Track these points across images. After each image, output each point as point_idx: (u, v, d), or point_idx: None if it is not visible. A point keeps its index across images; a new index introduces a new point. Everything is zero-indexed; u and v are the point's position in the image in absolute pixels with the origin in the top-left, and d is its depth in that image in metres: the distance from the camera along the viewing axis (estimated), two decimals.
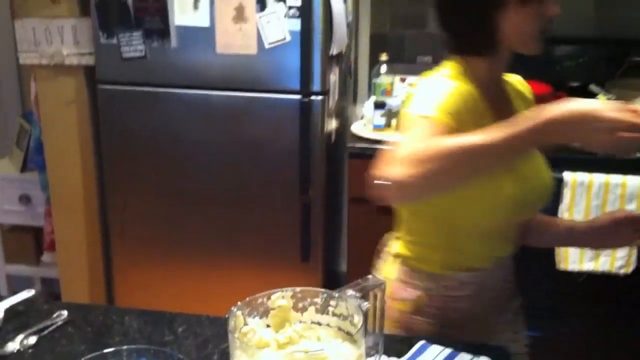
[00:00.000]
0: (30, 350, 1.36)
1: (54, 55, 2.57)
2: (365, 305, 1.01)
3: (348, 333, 1.01)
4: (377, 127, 2.72)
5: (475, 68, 1.42)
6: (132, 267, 2.79)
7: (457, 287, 1.48)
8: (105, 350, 1.15)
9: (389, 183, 1.17)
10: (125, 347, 1.13)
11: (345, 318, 1.02)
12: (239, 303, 1.01)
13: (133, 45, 2.48)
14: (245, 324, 1.00)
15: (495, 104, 1.44)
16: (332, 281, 3.04)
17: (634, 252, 2.47)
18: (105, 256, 2.92)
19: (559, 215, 2.46)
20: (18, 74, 3.28)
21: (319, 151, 2.52)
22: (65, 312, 1.49)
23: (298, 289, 1.05)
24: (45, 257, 3.13)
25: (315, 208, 2.60)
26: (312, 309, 1.04)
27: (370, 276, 1.16)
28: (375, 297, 1.11)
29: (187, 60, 2.48)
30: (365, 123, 2.80)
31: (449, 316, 1.48)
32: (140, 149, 2.65)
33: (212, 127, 2.55)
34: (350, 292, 1.06)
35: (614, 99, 2.52)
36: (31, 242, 3.24)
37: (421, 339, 1.37)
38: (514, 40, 1.39)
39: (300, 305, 1.04)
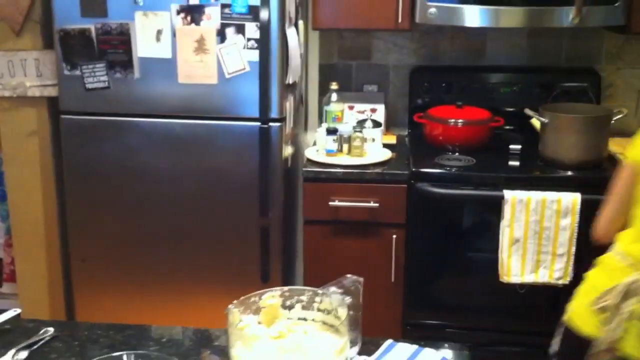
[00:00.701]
0: None
1: (17, 87, 2.63)
2: (348, 299, 1.14)
3: (332, 326, 1.13)
4: (329, 152, 2.87)
5: None
6: (93, 297, 2.83)
7: None
8: (114, 354, 1.24)
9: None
10: (129, 352, 1.23)
11: (329, 312, 1.15)
12: (234, 302, 1.12)
13: (96, 76, 2.57)
14: (240, 320, 1.12)
15: None
16: None
17: (571, 263, 2.66)
18: (66, 287, 2.95)
19: (501, 230, 2.64)
20: None
21: (278, 175, 2.65)
22: (51, 329, 1.56)
23: (286, 288, 1.17)
24: (5, 288, 3.14)
25: (273, 230, 2.72)
26: (298, 306, 1.16)
27: (348, 275, 1.30)
28: (353, 293, 1.25)
29: (150, 90, 2.58)
30: (318, 149, 2.95)
31: None
32: (102, 178, 2.72)
33: (174, 155, 2.66)
34: (333, 289, 1.19)
35: (547, 122, 2.74)
36: None
37: (388, 339, 1.51)
38: None
39: (288, 303, 1.16)
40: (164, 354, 1.48)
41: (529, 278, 2.66)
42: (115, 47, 2.54)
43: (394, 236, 2.78)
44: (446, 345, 1.52)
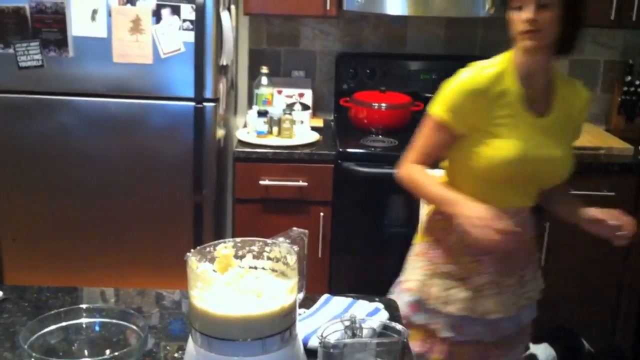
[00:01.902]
0: None
1: None
2: (296, 248, 1.26)
3: (282, 272, 1.25)
4: (260, 134, 2.98)
5: (516, 61, 1.84)
6: (24, 276, 2.82)
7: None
8: (73, 307, 1.32)
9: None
10: (89, 305, 1.31)
11: (278, 260, 1.27)
12: (192, 250, 1.23)
13: (30, 54, 2.58)
14: (198, 267, 1.22)
15: (532, 96, 1.85)
16: None
17: None
18: None
19: (421, 208, 2.81)
20: None
21: (211, 154, 2.74)
22: (0, 292, 1.62)
23: (238, 239, 1.28)
24: None
25: (206, 208, 2.81)
26: (249, 255, 1.28)
27: (294, 228, 1.42)
28: (298, 244, 1.37)
29: (84, 69, 2.62)
30: (248, 130, 3.06)
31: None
32: (34, 157, 2.73)
33: (109, 134, 2.70)
34: (281, 239, 1.31)
35: None
36: None
37: (326, 294, 1.65)
38: (513, 36, 1.82)
39: (240, 253, 1.28)
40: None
41: None
42: (50, 26, 2.56)
43: (322, 214, 2.91)
44: (377, 299, 1.67)
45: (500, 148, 1.82)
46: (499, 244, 1.70)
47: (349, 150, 2.88)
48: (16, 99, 2.66)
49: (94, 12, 2.55)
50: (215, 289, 1.18)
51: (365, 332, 1.31)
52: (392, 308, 1.62)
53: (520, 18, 1.77)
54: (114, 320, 1.32)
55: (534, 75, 1.86)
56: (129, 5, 2.55)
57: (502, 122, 1.83)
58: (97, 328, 1.31)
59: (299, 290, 1.32)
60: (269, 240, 1.29)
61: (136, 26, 2.55)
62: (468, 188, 1.88)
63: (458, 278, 1.91)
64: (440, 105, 1.87)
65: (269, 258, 1.28)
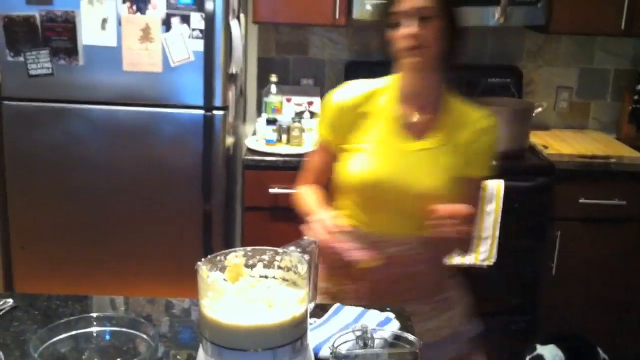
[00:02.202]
0: None
1: None
2: (307, 257, 1.25)
3: (293, 282, 1.24)
4: (269, 142, 2.98)
5: (399, 80, 1.80)
6: (34, 285, 2.83)
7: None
8: (84, 315, 1.32)
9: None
10: (99, 314, 1.30)
11: (289, 270, 1.26)
12: (202, 260, 1.22)
13: (40, 63, 2.59)
14: (209, 276, 1.22)
15: (411, 118, 1.76)
16: None
17: (495, 246, 2.85)
18: (6, 274, 2.94)
19: None
20: None
21: (220, 162, 2.74)
22: (10, 300, 1.61)
23: (249, 248, 1.28)
24: None
25: (216, 216, 2.81)
26: (260, 265, 1.27)
27: (305, 237, 1.41)
28: (310, 253, 1.36)
29: (94, 78, 2.62)
30: (258, 138, 3.05)
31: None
32: (44, 165, 2.73)
33: (119, 143, 2.70)
34: (292, 248, 1.30)
35: None
36: None
37: (337, 304, 1.64)
38: (396, 52, 1.74)
39: (250, 262, 1.27)
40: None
41: (456, 261, 2.83)
42: (60, 35, 2.57)
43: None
44: (388, 308, 1.65)
45: (357, 169, 1.75)
46: (331, 245, 1.62)
47: None
48: (26, 107, 2.67)
49: (104, 21, 2.56)
50: (226, 299, 1.17)
51: (376, 342, 1.29)
52: (403, 318, 1.61)
53: (401, 34, 1.68)
54: (124, 329, 1.31)
55: (418, 95, 1.76)
56: (139, 15, 2.55)
57: (368, 141, 1.76)
58: (107, 337, 1.30)
59: (310, 300, 1.31)
60: (280, 250, 1.28)
61: (146, 35, 2.56)
62: (346, 210, 1.82)
63: (332, 298, 1.83)
64: (318, 123, 1.88)
65: (280, 267, 1.27)
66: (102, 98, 2.66)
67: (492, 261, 2.85)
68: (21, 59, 2.60)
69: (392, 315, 1.58)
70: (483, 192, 2.76)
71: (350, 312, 1.60)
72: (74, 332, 1.27)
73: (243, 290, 1.21)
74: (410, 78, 1.77)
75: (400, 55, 1.73)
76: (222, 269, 1.25)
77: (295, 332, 1.17)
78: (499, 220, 2.79)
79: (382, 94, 1.79)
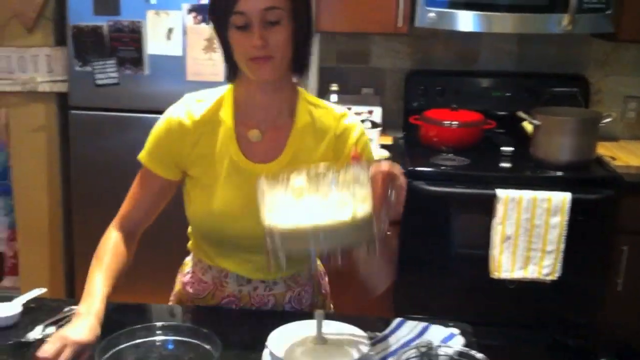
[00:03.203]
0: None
1: (27, 82, 2.71)
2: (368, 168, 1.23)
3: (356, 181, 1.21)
4: None
5: (237, 92, 1.56)
6: None
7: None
8: (147, 324, 1.33)
9: None
10: (162, 322, 1.31)
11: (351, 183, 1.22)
12: (262, 176, 1.21)
13: (107, 72, 2.65)
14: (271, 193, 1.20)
15: (254, 136, 1.55)
16: None
17: (560, 259, 2.77)
18: (68, 282, 3.01)
19: (493, 227, 2.75)
20: None
21: None
22: (75, 307, 1.64)
23: (312, 170, 1.22)
24: (6, 281, 3.19)
25: None
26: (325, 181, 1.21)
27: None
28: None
29: (159, 87, 2.66)
30: None
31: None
32: (108, 173, 2.78)
33: None
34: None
35: (539, 124, 2.86)
36: None
37: (398, 317, 1.61)
38: (237, 61, 1.48)
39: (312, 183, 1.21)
40: None
41: (518, 274, 2.77)
42: (126, 45, 2.63)
43: (388, 232, 2.86)
44: (451, 324, 1.62)
45: (196, 208, 1.58)
46: None
47: (419, 168, 2.83)
48: (93, 116, 2.73)
49: (170, 30, 2.60)
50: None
51: (441, 359, 1.27)
52: (468, 334, 1.57)
53: (246, 41, 1.42)
54: (186, 339, 1.31)
55: (260, 109, 1.54)
56: (203, 25, 2.59)
57: (206, 171, 1.55)
58: (170, 346, 1.31)
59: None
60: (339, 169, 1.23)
61: (210, 45, 2.59)
62: (200, 249, 1.68)
63: None
64: (144, 149, 1.62)
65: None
66: (166, 107, 2.67)
67: (555, 276, 2.78)
68: (88, 68, 2.66)
69: (456, 331, 1.55)
70: (547, 204, 2.69)
71: (412, 327, 1.58)
72: (137, 341, 1.28)
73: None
74: (253, 92, 1.53)
75: (243, 65, 1.47)
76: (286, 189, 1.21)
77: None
78: (564, 233, 2.72)
79: (219, 109, 1.56)
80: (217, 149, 1.55)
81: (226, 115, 1.55)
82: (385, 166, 1.30)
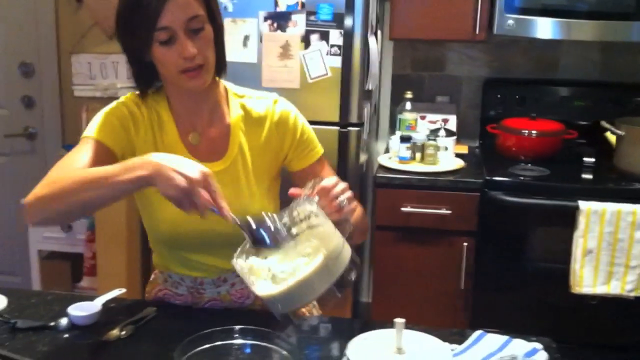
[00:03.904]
0: (130, 338, 1.50)
1: (108, 88, 2.77)
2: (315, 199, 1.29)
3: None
4: (402, 159, 2.93)
5: (169, 95, 1.57)
6: None
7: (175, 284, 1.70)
8: (229, 327, 1.32)
9: (24, 205, 1.36)
10: (243, 326, 1.31)
11: (309, 218, 1.26)
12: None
13: None
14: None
15: (190, 126, 1.57)
16: (358, 313, 3.18)
17: None
18: (144, 283, 3.05)
19: (574, 240, 2.65)
20: (61, 108, 3.47)
21: (354, 179, 2.72)
22: (154, 308, 1.65)
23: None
24: (84, 282, 3.27)
25: None
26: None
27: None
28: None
29: None
30: (390, 156, 3.01)
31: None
32: None
33: None
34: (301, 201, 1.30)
35: (623, 134, 2.75)
36: (68, 268, 3.38)
37: (478, 329, 1.56)
38: (165, 76, 1.50)
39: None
40: None
41: (600, 289, 2.67)
42: None
43: (465, 244, 2.81)
44: (534, 338, 1.55)
45: (154, 219, 1.57)
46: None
47: (497, 178, 2.76)
48: None
49: (246, 37, 2.62)
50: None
51: None
52: (551, 349, 1.51)
53: (174, 55, 1.41)
54: (263, 343, 1.30)
55: (193, 114, 1.55)
56: (279, 32, 2.60)
57: None
58: (247, 350, 1.30)
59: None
60: (286, 210, 1.30)
61: (285, 52, 2.60)
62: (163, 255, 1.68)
63: None
64: (92, 127, 1.52)
65: (301, 220, 1.27)
66: None
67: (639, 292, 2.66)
68: None
69: (539, 346, 1.48)
70: (632, 217, 2.58)
71: (494, 340, 1.52)
72: (215, 343, 1.27)
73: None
74: (183, 99, 1.54)
75: (173, 79, 1.47)
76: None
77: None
78: None
79: (157, 115, 1.56)
80: (162, 148, 1.53)
81: (168, 123, 1.55)
82: (326, 183, 1.34)
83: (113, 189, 1.28)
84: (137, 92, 1.58)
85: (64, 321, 1.53)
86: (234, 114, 1.60)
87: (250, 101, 1.64)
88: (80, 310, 1.55)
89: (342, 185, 1.40)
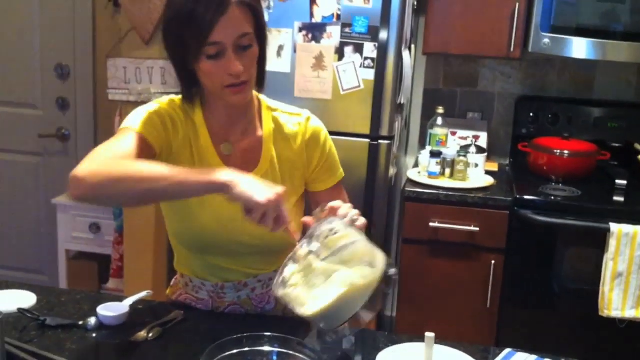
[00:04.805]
0: (157, 340, 1.51)
1: (142, 92, 2.80)
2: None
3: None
4: (431, 174, 2.91)
5: (207, 104, 1.59)
6: None
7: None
8: (245, 334, 1.32)
9: (73, 177, 1.33)
10: (267, 333, 1.30)
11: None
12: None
13: None
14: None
15: (223, 136, 1.59)
16: (382, 326, 3.17)
17: None
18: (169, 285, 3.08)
19: (604, 263, 2.61)
20: (94, 111, 3.51)
21: (382, 192, 2.72)
22: (181, 312, 1.65)
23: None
24: (111, 283, 3.30)
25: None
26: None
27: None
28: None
29: None
30: (420, 170, 3.00)
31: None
32: None
33: None
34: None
35: None
36: (95, 269, 3.41)
37: (508, 347, 1.54)
38: (208, 88, 1.51)
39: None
40: None
41: (629, 313, 2.62)
42: None
43: (493, 261, 2.78)
44: (562, 359, 1.53)
45: (182, 223, 1.61)
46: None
47: (527, 197, 2.73)
48: None
49: (280, 48, 2.64)
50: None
51: None
52: None
53: (221, 70, 1.43)
54: (291, 352, 1.30)
55: (229, 125, 1.58)
56: (313, 43, 2.61)
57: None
58: (274, 357, 1.30)
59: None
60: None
61: (319, 63, 2.61)
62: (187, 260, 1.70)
63: None
64: (134, 121, 1.51)
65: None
66: None
67: None
68: None
69: None
70: None
71: (523, 359, 1.50)
72: (244, 349, 1.27)
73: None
74: (221, 111, 1.57)
75: (217, 92, 1.50)
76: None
77: None
78: None
79: (192, 123, 1.58)
80: (197, 153, 1.57)
81: (202, 132, 1.57)
82: (333, 204, 1.39)
83: (182, 187, 1.32)
84: (179, 97, 1.59)
85: (92, 320, 1.55)
86: (266, 127, 1.62)
87: (284, 116, 1.65)
88: (109, 310, 1.57)
89: (348, 204, 1.44)
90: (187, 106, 1.59)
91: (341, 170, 1.74)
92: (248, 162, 1.59)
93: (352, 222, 1.38)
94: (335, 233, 1.28)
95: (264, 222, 1.28)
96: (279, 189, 1.31)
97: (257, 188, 1.28)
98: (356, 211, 1.43)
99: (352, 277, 1.22)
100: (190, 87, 1.56)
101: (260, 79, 1.57)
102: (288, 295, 1.26)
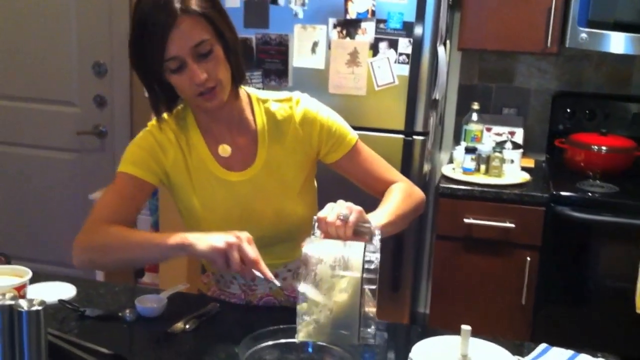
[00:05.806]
0: (195, 331, 1.53)
1: None
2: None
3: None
4: (466, 171, 2.90)
5: (193, 113, 1.62)
6: None
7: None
8: (280, 326, 1.33)
9: (74, 246, 1.58)
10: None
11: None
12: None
13: (253, 83, 2.73)
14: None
15: (218, 139, 1.61)
16: (415, 322, 3.16)
17: None
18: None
19: None
20: (130, 108, 3.56)
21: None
22: (217, 304, 1.67)
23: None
24: (146, 277, 3.34)
25: (407, 243, 2.77)
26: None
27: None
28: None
29: None
30: (454, 166, 2.99)
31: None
32: None
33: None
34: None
35: None
36: None
37: (543, 343, 1.53)
38: (185, 98, 1.55)
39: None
40: None
41: None
42: (273, 57, 2.69)
43: (528, 258, 2.76)
44: (599, 354, 1.52)
45: (190, 208, 1.63)
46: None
47: (564, 193, 2.71)
48: None
49: (315, 44, 2.64)
50: None
51: None
52: None
53: (187, 80, 1.45)
54: (325, 344, 1.31)
55: (221, 127, 1.60)
56: (348, 39, 2.61)
57: (191, 189, 1.61)
58: (310, 349, 1.31)
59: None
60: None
61: (353, 59, 2.61)
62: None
63: None
64: (125, 161, 1.61)
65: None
66: None
67: None
68: None
69: None
70: None
71: (558, 354, 1.50)
72: (278, 341, 1.29)
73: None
74: (211, 118, 1.60)
75: (191, 101, 1.54)
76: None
77: None
78: None
79: (185, 132, 1.62)
80: (194, 164, 1.60)
81: (196, 137, 1.60)
82: (320, 214, 1.40)
83: (160, 251, 1.45)
84: (169, 113, 1.62)
85: (130, 312, 1.57)
86: (259, 120, 1.63)
87: (274, 104, 1.66)
88: (147, 302, 1.59)
89: (335, 206, 1.43)
90: (178, 119, 1.62)
91: (351, 134, 1.72)
92: (246, 158, 1.63)
93: (344, 224, 1.37)
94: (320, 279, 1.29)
95: (232, 267, 1.34)
96: (241, 233, 1.37)
97: (214, 238, 1.36)
98: (344, 209, 1.42)
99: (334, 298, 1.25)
100: (172, 99, 1.59)
101: (237, 75, 1.56)
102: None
